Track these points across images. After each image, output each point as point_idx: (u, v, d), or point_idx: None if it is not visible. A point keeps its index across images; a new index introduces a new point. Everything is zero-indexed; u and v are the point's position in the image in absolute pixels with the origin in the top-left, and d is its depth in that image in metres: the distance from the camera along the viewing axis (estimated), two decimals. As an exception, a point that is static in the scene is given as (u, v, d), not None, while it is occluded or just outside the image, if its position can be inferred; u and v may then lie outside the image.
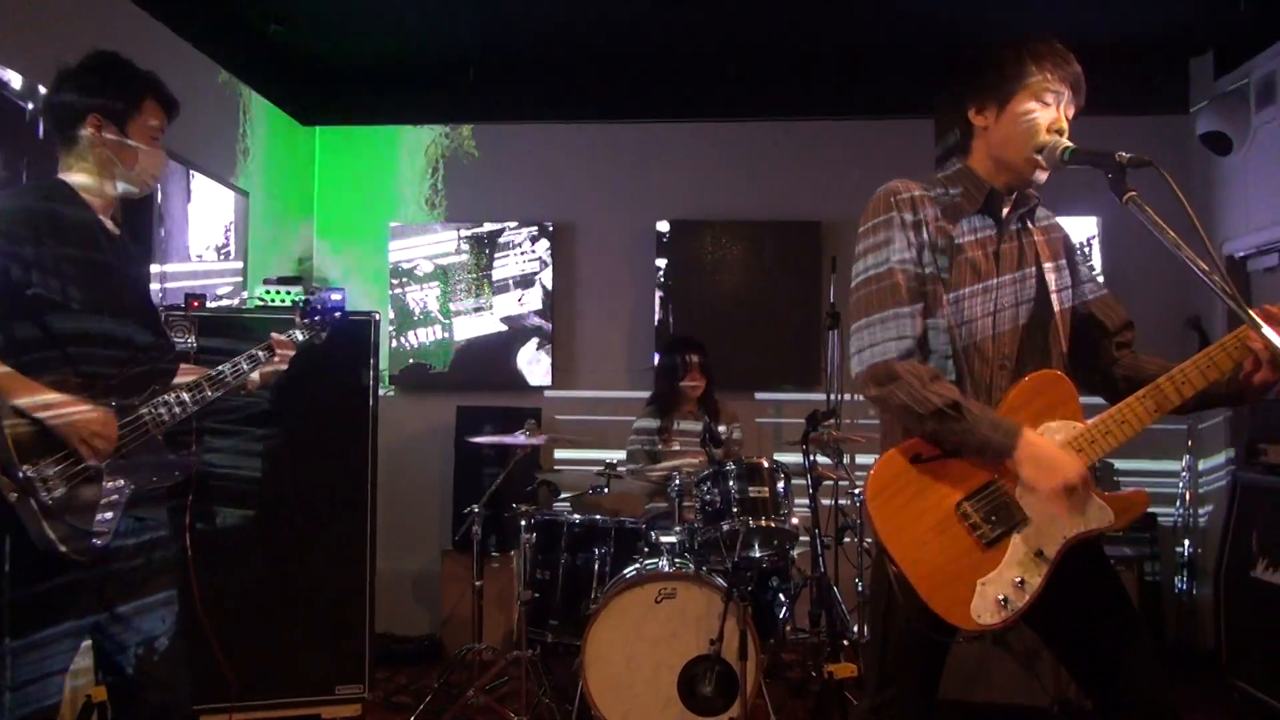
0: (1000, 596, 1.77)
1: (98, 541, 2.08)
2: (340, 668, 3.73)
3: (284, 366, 2.48)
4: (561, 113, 5.51)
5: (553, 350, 5.42)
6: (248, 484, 3.65)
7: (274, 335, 2.48)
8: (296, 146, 5.47)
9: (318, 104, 5.51)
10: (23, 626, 2.05)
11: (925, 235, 1.90)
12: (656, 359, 5.03)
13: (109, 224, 2.25)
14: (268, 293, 3.85)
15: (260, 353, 2.42)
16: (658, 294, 5.37)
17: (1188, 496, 4.93)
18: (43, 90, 3.28)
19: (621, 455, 4.51)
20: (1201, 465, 4.98)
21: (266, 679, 3.58)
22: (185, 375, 2.35)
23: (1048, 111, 1.85)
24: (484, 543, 3.95)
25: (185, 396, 2.25)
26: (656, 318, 5.36)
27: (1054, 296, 1.95)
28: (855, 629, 3.97)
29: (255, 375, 2.42)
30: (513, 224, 5.43)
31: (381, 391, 4.19)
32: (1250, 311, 1.50)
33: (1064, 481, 1.73)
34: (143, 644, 2.20)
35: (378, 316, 3.97)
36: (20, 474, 2.00)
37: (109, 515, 2.11)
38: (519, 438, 3.91)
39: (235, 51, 4.69)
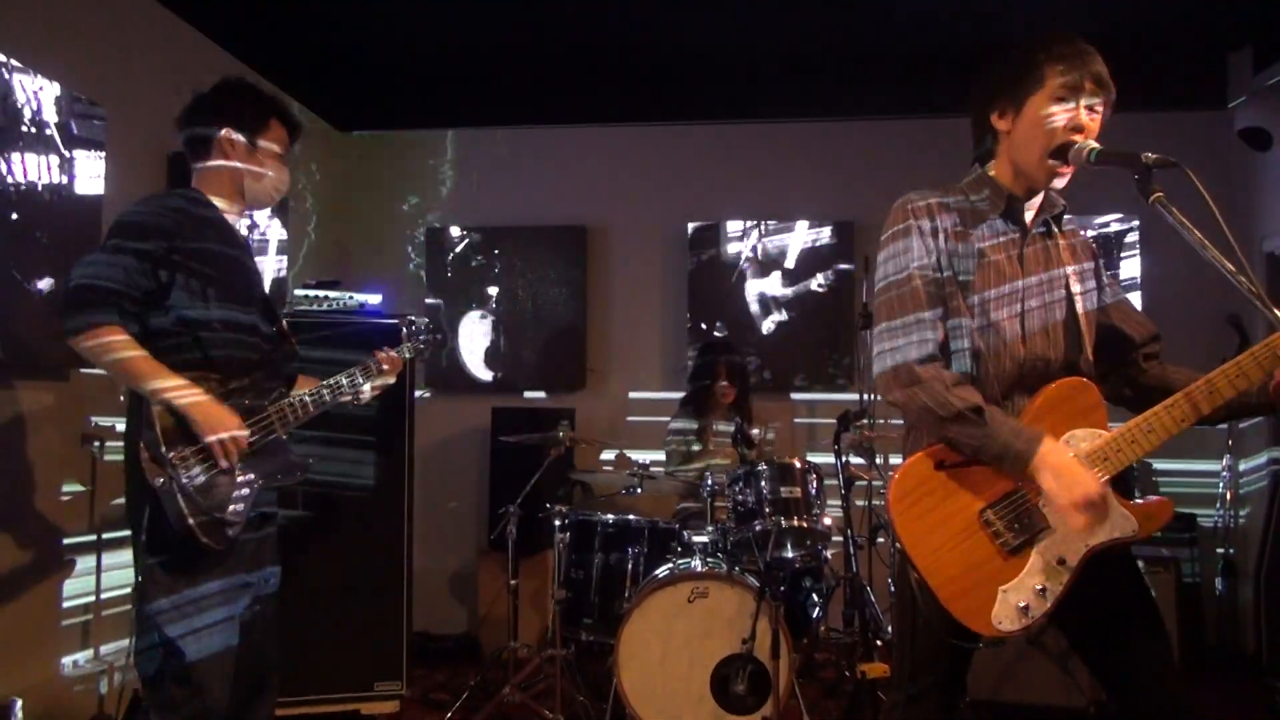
0: (1022, 604, 1.78)
1: (230, 531, 2.23)
2: (378, 665, 3.79)
3: (392, 379, 2.71)
4: (593, 115, 5.55)
5: (586, 352, 5.46)
6: (291, 485, 3.72)
7: (382, 353, 2.71)
8: (333, 152, 5.56)
9: (354, 110, 5.60)
10: (166, 587, 2.20)
11: (943, 242, 1.91)
12: (690, 359, 5.06)
13: (238, 229, 2.46)
14: (306, 296, 3.92)
15: (372, 364, 2.65)
16: (689, 295, 5.39)
17: (1228, 497, 4.86)
18: (69, 98, 3.38)
19: (656, 456, 4.54)
20: (1242, 465, 4.91)
21: (307, 675, 3.65)
22: (301, 385, 2.55)
23: (1066, 110, 1.83)
24: (519, 542, 3.99)
25: (307, 399, 2.45)
26: (688, 318, 5.38)
27: (1079, 299, 1.95)
28: (889, 629, 3.96)
29: (367, 387, 2.64)
30: (546, 226, 5.48)
31: (418, 394, 4.25)
32: (1278, 311, 1.49)
33: (1084, 496, 1.73)
34: (252, 612, 2.37)
35: (413, 320, 4.03)
36: (167, 457, 2.15)
37: (240, 507, 2.26)
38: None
39: (273, 58, 4.78)
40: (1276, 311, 1.47)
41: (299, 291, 3.97)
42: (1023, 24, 4.52)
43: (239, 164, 2.41)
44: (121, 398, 2.33)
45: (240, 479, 2.27)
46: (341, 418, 3.79)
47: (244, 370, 2.34)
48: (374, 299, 4.01)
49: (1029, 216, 1.96)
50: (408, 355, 2.82)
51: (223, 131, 2.39)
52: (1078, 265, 1.99)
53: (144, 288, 2.20)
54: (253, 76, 4.68)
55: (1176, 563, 4.23)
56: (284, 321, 2.54)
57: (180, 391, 2.18)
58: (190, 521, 2.14)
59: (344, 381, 2.57)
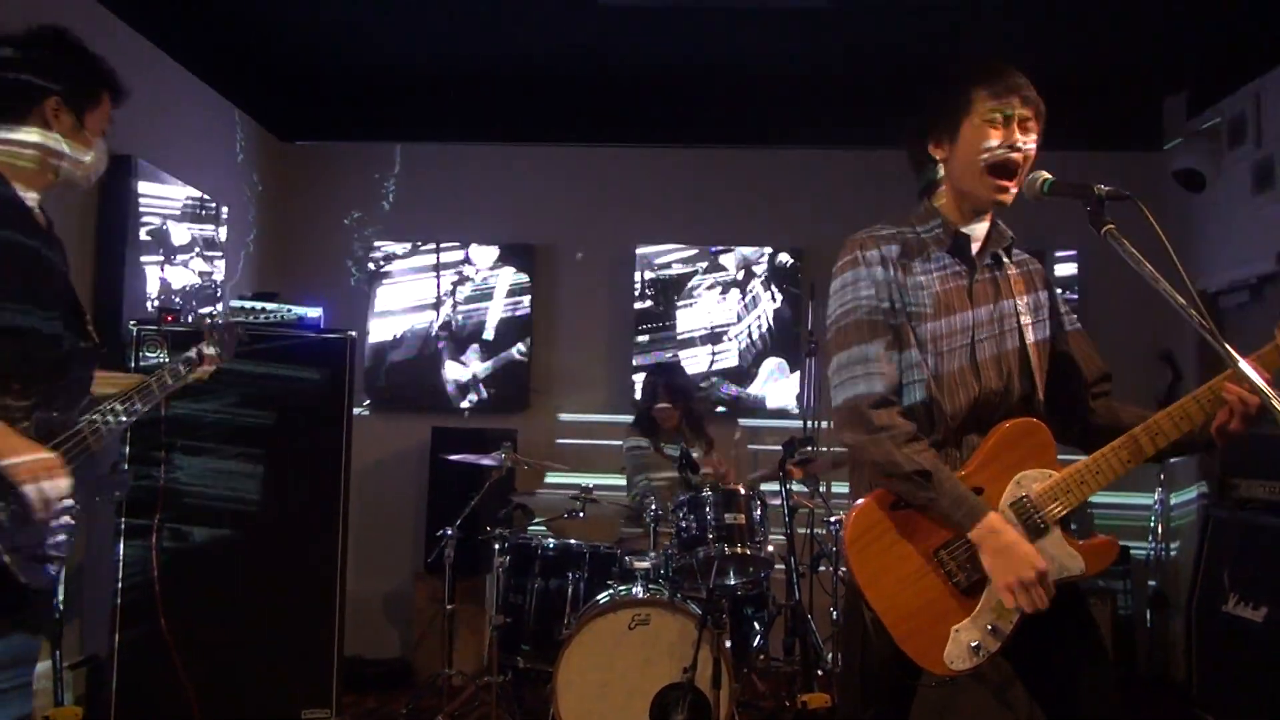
0: (973, 643, 1.79)
1: (51, 568, 1.91)
2: (307, 690, 3.67)
3: (204, 378, 2.34)
4: (545, 135, 5.52)
5: (530, 372, 5.39)
6: (219, 502, 3.60)
7: (200, 349, 2.34)
8: (275, 161, 5.44)
9: (297, 120, 5.49)
10: None
11: (892, 272, 1.92)
12: (638, 383, 5.02)
13: (38, 212, 2.03)
14: (243, 308, 3.81)
15: (181, 367, 2.27)
16: (637, 318, 5.36)
17: (1159, 530, 4.96)
18: None
19: (598, 479, 4.47)
20: (1173, 499, 5.02)
21: (232, 700, 3.52)
22: (103, 385, 2.16)
23: (999, 132, 1.87)
24: (457, 566, 3.91)
25: (119, 407, 2.07)
26: (635, 342, 5.35)
27: (1029, 331, 1.97)
28: (829, 658, 3.95)
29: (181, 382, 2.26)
30: (491, 245, 5.42)
31: (356, 411, 4.16)
32: (1227, 346, 1.51)
33: (1017, 579, 1.75)
34: None
35: (354, 335, 3.95)
36: None
37: (62, 538, 1.92)
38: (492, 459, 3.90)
39: (215, 64, 4.67)
40: (1227, 346, 1.48)
41: (235, 303, 3.85)
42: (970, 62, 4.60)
43: (62, 138, 1.99)
44: None
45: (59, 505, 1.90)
46: (278, 434, 3.69)
47: (43, 379, 1.96)
48: (313, 312, 3.92)
49: (975, 249, 1.98)
50: (214, 352, 2.37)
51: (51, 98, 1.97)
52: (1030, 296, 2.01)
53: None
54: (195, 85, 4.58)
55: (1113, 594, 4.29)
56: (88, 318, 2.15)
57: None
58: (4, 558, 1.79)
59: (153, 384, 2.15)
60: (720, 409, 5.24)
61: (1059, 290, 2.10)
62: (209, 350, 2.34)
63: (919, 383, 1.89)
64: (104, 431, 2.03)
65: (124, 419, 2.08)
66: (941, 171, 1.98)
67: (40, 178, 2.01)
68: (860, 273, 1.92)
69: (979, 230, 1.98)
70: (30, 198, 2.01)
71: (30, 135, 1.97)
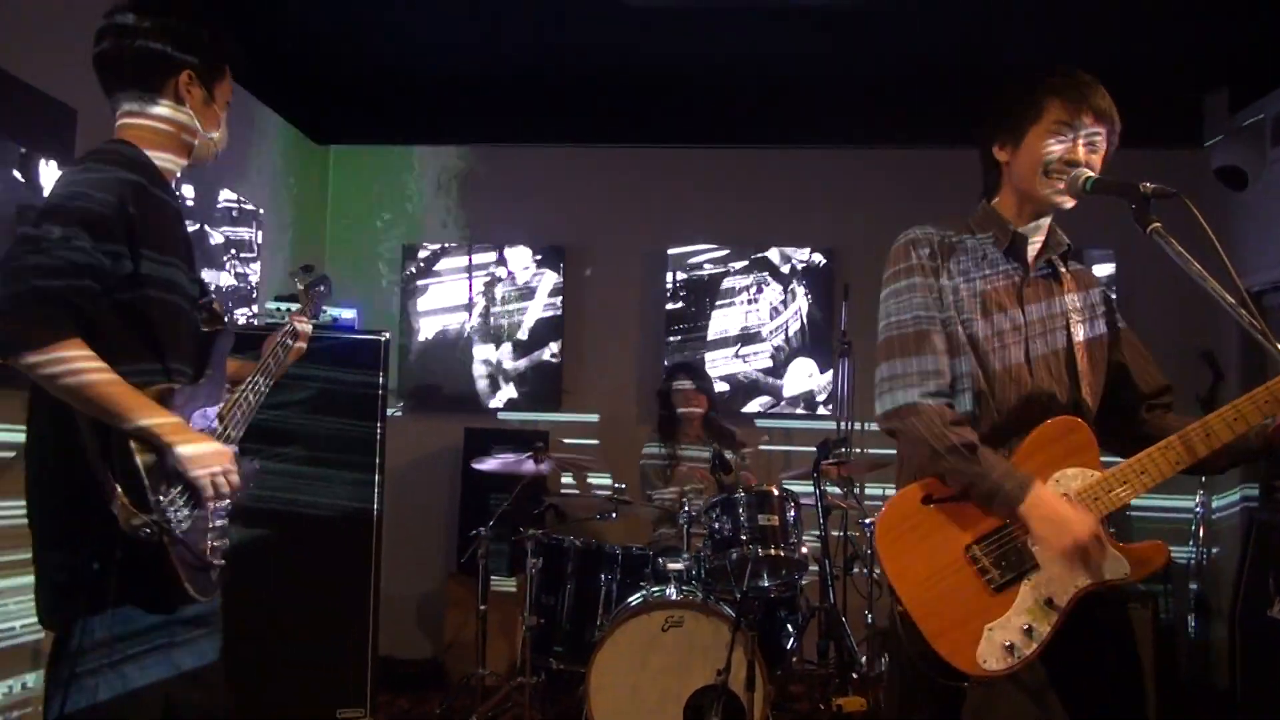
0: (1007, 643, 1.74)
1: (214, 576, 1.90)
2: (342, 690, 3.69)
3: (303, 351, 2.30)
4: (576, 136, 5.52)
5: (562, 373, 5.40)
6: (254, 502, 3.63)
7: (294, 318, 2.32)
8: (310, 164, 5.48)
9: (332, 122, 5.53)
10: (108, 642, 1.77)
11: (945, 279, 1.91)
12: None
13: (171, 182, 2.00)
14: (279, 309, 3.84)
15: (287, 339, 2.24)
16: (668, 319, 5.35)
17: (1201, 534, 4.87)
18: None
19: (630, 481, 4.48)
20: (1215, 502, 4.92)
21: (267, 699, 3.54)
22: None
23: (1063, 144, 1.85)
24: (490, 566, 3.91)
25: (250, 394, 2.05)
26: (666, 343, 5.34)
27: (1076, 329, 1.94)
28: (864, 661, 3.91)
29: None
30: (524, 246, 5.43)
31: (389, 411, 4.18)
32: (1279, 345, 1.47)
33: (1074, 540, 1.71)
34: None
35: (387, 336, 3.97)
36: (155, 501, 1.73)
37: (221, 544, 1.91)
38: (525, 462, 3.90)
39: (252, 70, 4.71)
40: (1279, 346, 1.45)
41: (271, 304, 3.89)
42: (1010, 61, 4.54)
43: (194, 119, 1.96)
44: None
45: (216, 507, 1.89)
46: (311, 434, 3.72)
47: (193, 346, 1.94)
48: (348, 314, 3.95)
49: (1032, 253, 1.96)
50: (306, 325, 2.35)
51: (185, 70, 1.93)
52: (1083, 303, 1.99)
53: (105, 286, 1.73)
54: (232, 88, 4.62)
55: (1154, 599, 4.22)
56: (214, 300, 2.12)
57: (162, 423, 1.75)
58: (180, 571, 1.77)
59: (270, 362, 2.16)
60: (748, 409, 5.21)
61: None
62: (301, 326, 2.30)
63: (968, 391, 1.87)
64: (241, 421, 2.02)
65: (255, 404, 2.07)
66: (1002, 174, 1.96)
67: (179, 155, 1.99)
68: (915, 280, 1.90)
69: (1037, 234, 1.96)
70: (166, 167, 1.96)
71: (164, 110, 1.94)
